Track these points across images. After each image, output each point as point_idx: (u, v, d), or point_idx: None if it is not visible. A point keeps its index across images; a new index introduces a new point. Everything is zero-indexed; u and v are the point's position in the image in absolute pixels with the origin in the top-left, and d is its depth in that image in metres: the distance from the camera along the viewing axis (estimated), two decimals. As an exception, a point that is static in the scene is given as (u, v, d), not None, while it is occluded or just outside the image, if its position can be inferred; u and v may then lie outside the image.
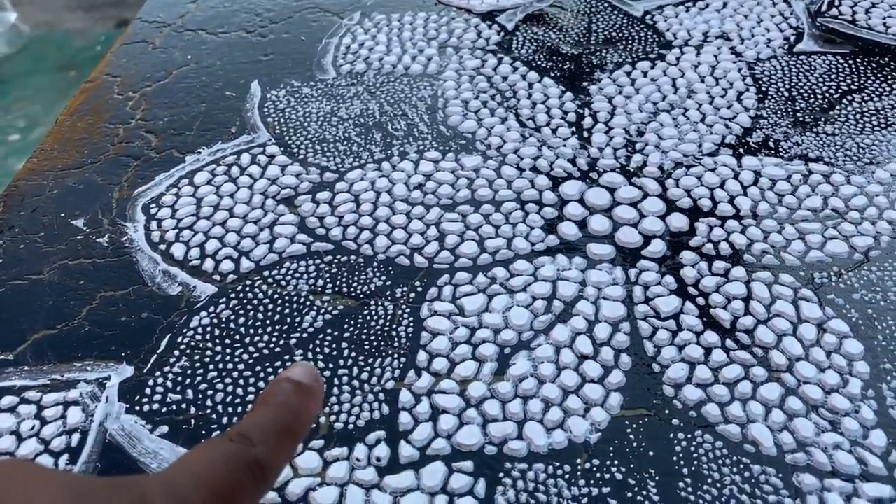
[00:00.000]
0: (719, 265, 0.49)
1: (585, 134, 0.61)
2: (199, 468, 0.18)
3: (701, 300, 0.48)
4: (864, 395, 0.42)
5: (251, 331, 0.47)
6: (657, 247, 0.51)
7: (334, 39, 0.75)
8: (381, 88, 0.68)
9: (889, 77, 0.65)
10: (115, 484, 0.17)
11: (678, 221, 0.53)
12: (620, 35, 0.73)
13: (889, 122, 0.60)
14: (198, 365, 0.45)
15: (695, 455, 0.40)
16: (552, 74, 0.68)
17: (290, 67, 0.72)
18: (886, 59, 0.68)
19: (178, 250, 0.53)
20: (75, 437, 0.42)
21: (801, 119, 0.61)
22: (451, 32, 0.75)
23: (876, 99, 0.63)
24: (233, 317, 0.48)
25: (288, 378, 0.22)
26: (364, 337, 0.46)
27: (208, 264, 0.52)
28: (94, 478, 0.18)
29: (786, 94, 0.64)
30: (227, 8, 0.83)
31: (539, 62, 0.70)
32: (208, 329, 0.48)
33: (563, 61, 0.70)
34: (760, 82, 0.65)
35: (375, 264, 0.51)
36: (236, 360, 0.46)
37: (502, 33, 0.74)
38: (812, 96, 0.64)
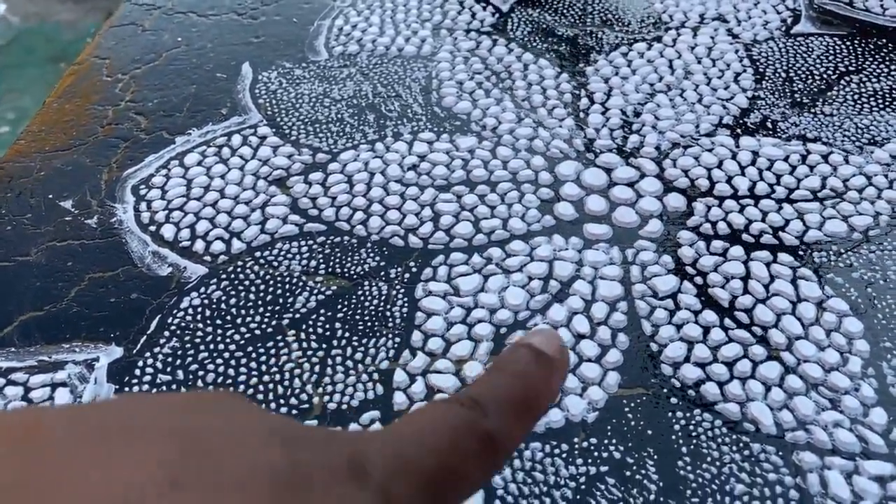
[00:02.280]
0: (717, 244, 0.49)
1: (582, 115, 0.60)
2: (426, 431, 0.16)
3: (699, 279, 0.47)
4: (865, 373, 0.41)
5: (242, 311, 0.46)
6: (654, 227, 0.50)
7: (326, 21, 0.74)
8: (374, 70, 0.67)
9: (887, 58, 0.64)
10: (331, 437, 0.15)
11: (675, 202, 0.52)
12: (616, 16, 0.72)
13: (887, 103, 0.60)
14: (188, 346, 0.45)
15: (693, 434, 0.39)
16: (548, 56, 0.67)
17: (281, 49, 0.71)
18: (884, 40, 0.67)
19: (168, 231, 0.52)
20: (63, 419, 0.41)
21: (798, 100, 0.61)
22: (446, 14, 0.74)
23: (874, 80, 0.62)
24: (224, 298, 0.47)
25: (529, 345, 0.19)
26: (358, 317, 0.46)
27: (199, 245, 0.51)
28: (309, 426, 0.15)
29: (783, 75, 0.63)
30: (217, -10, 0.82)
31: (534, 43, 0.69)
32: (199, 310, 0.47)
33: (559, 42, 0.69)
34: (758, 64, 0.65)
35: (369, 245, 0.50)
36: (227, 340, 0.45)
37: (497, 15, 0.73)
38: (810, 77, 0.63)
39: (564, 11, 0.73)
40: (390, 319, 0.45)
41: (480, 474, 0.16)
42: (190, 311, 0.47)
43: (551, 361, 0.18)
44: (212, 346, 0.44)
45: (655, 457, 0.38)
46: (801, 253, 0.48)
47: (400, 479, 0.14)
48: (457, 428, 0.16)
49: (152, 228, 0.53)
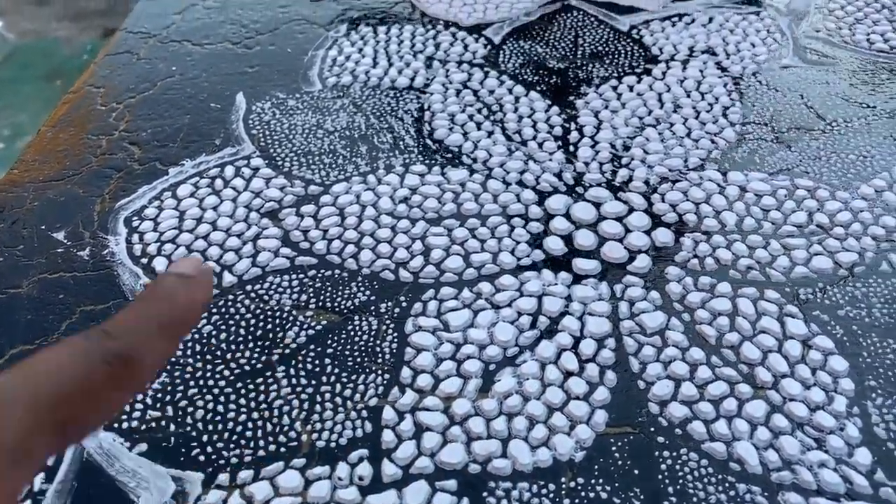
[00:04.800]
0: (705, 280, 0.49)
1: (571, 148, 0.61)
2: (52, 361, 0.18)
3: (686, 316, 0.47)
4: (850, 412, 0.42)
5: (233, 346, 0.47)
6: (643, 262, 0.51)
7: (320, 51, 0.75)
8: (367, 101, 0.68)
9: (873, 92, 0.65)
10: None
11: (664, 237, 0.53)
12: (607, 49, 0.73)
13: (873, 138, 0.60)
14: (178, 381, 0.45)
15: (680, 473, 0.39)
16: (538, 88, 0.68)
17: (275, 79, 0.72)
18: (870, 73, 0.68)
19: (160, 264, 0.52)
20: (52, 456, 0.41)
21: (786, 134, 0.61)
22: (438, 46, 0.75)
23: (861, 115, 0.63)
24: (214, 332, 0.48)
25: (169, 272, 0.22)
26: (348, 353, 0.46)
27: (190, 278, 0.51)
28: None
29: (771, 109, 0.64)
30: (212, 19, 0.82)
31: (525, 76, 0.70)
32: (189, 344, 0.47)
33: (550, 75, 0.70)
34: (746, 97, 0.66)
35: (360, 279, 0.51)
36: (217, 376, 0.45)
37: (489, 47, 0.74)
38: (797, 111, 0.64)
39: (555, 44, 0.74)
40: (380, 355, 0.46)
41: (117, 391, 0.19)
42: (180, 345, 0.47)
43: (191, 279, 0.22)
44: (201, 382, 0.45)
45: (642, 497, 0.39)
46: (787, 289, 0.49)
47: (29, 410, 0.17)
48: (80, 354, 0.18)
49: (144, 261, 0.53)
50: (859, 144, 0.60)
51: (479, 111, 0.66)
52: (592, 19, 0.77)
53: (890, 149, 0.59)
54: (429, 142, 0.63)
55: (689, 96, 0.66)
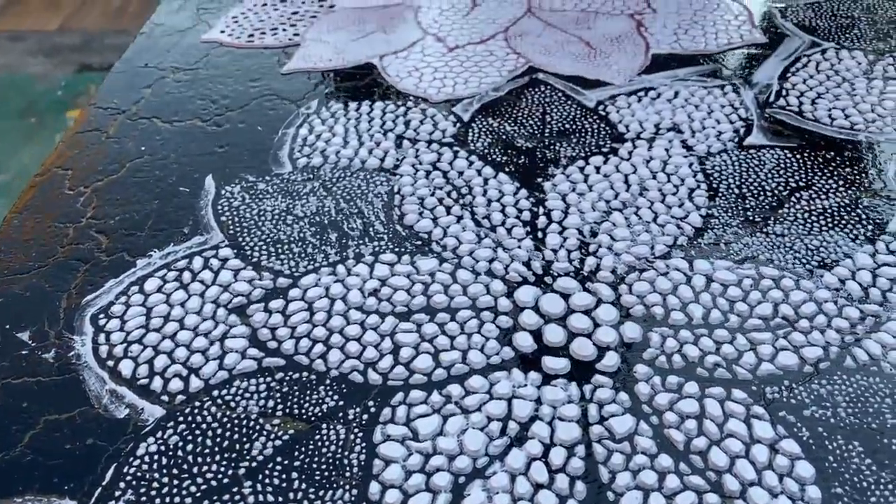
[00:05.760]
0: (672, 380, 0.50)
1: (540, 234, 0.61)
2: None
3: (655, 419, 0.48)
4: (817, 522, 0.42)
5: (199, 459, 0.46)
6: (611, 360, 0.51)
7: (291, 130, 0.75)
8: (337, 184, 0.68)
9: (835, 173, 0.66)
10: None
11: (631, 332, 0.53)
12: (574, 127, 0.74)
13: (836, 222, 0.61)
14: (144, 499, 0.44)
15: None
16: (507, 169, 0.69)
17: (245, 160, 0.71)
18: (832, 153, 0.69)
19: (126, 367, 0.52)
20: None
21: (751, 218, 0.62)
22: (408, 124, 0.75)
23: (823, 197, 0.64)
24: (181, 443, 0.47)
25: None
26: (315, 465, 0.45)
27: (157, 383, 0.51)
28: None
29: (736, 191, 0.65)
30: (182, 94, 0.82)
31: (494, 156, 0.70)
32: (156, 457, 0.46)
33: (518, 155, 0.70)
34: (711, 178, 0.67)
35: (328, 381, 0.50)
36: (184, 492, 0.44)
37: (458, 124, 0.75)
38: (762, 193, 0.65)
39: (523, 121, 0.75)
40: (348, 468, 0.45)
41: None
42: (146, 458, 0.46)
43: None
44: (168, 499, 0.44)
45: None
46: (754, 388, 0.49)
47: None
48: None
49: (110, 363, 0.52)
50: (822, 228, 0.61)
51: (449, 194, 0.66)
52: (560, 94, 0.78)
53: (853, 234, 0.60)
54: (398, 227, 0.63)
55: (654, 178, 0.66)
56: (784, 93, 0.77)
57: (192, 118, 0.78)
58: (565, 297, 0.56)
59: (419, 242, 0.61)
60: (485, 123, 0.75)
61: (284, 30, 0.94)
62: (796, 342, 0.52)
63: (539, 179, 0.67)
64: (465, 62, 0.85)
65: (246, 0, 1.02)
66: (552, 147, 0.71)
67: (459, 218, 0.63)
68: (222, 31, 0.94)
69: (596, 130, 0.73)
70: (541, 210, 0.64)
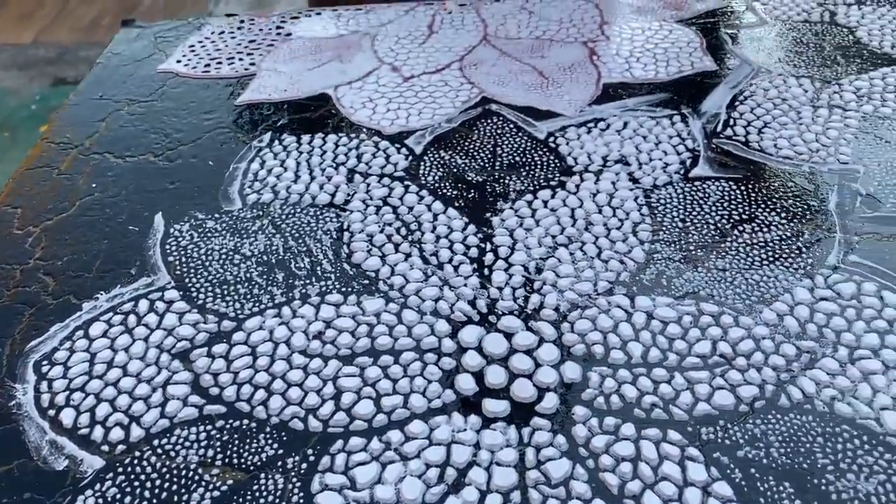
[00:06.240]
0: (609, 422, 0.50)
1: (486, 271, 0.62)
2: None
3: (591, 462, 0.48)
4: (745, 567, 0.43)
5: (137, 512, 0.46)
6: (550, 402, 0.52)
7: (242, 164, 0.76)
8: (286, 221, 0.68)
9: (777, 206, 0.68)
10: None
11: (571, 372, 0.54)
12: (524, 160, 0.74)
13: (776, 256, 0.62)
14: (79, 555, 0.44)
15: None
16: (457, 204, 0.69)
17: (196, 197, 0.72)
18: (776, 184, 0.70)
19: (67, 416, 0.52)
20: None
21: (693, 253, 0.63)
22: (360, 157, 0.75)
23: (765, 230, 0.65)
24: (119, 496, 0.47)
25: None
26: (252, 517, 0.46)
27: (98, 432, 0.51)
28: None
29: (679, 224, 0.66)
30: (136, 127, 0.82)
31: (445, 190, 0.71)
32: (92, 511, 0.46)
33: (468, 189, 0.71)
34: (656, 211, 0.67)
35: (268, 429, 0.51)
36: (119, 547, 0.44)
37: (410, 157, 0.75)
38: (705, 227, 0.66)
39: (475, 154, 0.75)
40: (285, 519, 0.46)
41: None
42: (83, 512, 0.46)
43: None
44: (103, 555, 0.44)
45: None
46: (689, 429, 0.50)
47: None
48: None
49: (51, 413, 0.52)
50: (763, 263, 0.62)
51: (398, 230, 0.66)
52: (511, 126, 0.79)
53: (792, 268, 0.61)
54: (346, 266, 0.63)
55: (600, 212, 0.67)
56: (731, 122, 0.78)
57: (145, 153, 0.78)
58: (508, 336, 0.56)
59: (366, 281, 0.62)
60: (437, 156, 0.75)
61: (241, 59, 0.94)
62: (733, 381, 0.53)
63: (488, 214, 0.68)
64: (420, 92, 0.85)
65: (204, 28, 1.02)
66: (501, 180, 0.72)
67: (408, 255, 0.64)
68: (178, 61, 0.94)
69: (545, 163, 0.74)
70: (488, 246, 0.64)
